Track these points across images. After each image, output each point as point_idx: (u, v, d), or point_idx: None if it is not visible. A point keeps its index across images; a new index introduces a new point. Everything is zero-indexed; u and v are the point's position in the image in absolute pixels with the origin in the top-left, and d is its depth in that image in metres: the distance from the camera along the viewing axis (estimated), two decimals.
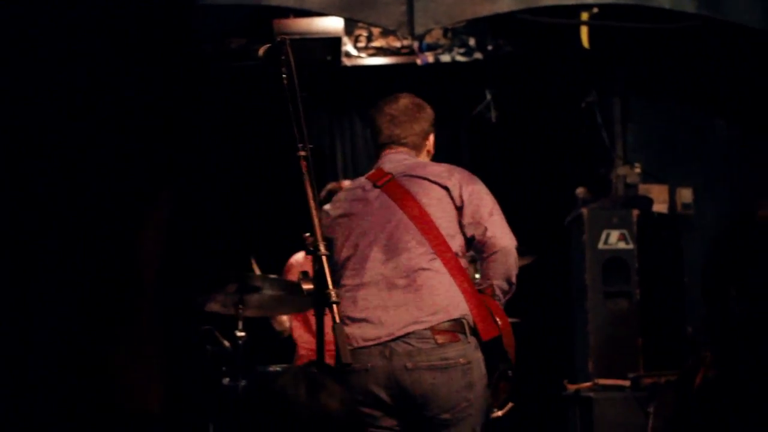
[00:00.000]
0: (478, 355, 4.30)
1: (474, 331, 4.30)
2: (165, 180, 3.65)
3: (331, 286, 3.57)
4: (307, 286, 3.60)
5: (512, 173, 8.95)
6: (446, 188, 4.50)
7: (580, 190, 8.46)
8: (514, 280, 4.62)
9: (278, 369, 4.96)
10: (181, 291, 4.33)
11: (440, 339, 4.20)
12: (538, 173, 8.92)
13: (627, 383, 7.21)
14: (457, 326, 4.25)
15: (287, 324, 6.83)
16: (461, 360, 4.21)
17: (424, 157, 4.81)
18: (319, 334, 3.65)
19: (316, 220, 3.70)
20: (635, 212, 8.02)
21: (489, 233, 4.45)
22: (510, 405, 5.51)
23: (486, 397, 4.38)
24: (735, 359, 1.73)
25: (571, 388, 7.52)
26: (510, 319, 7.11)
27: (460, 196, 4.50)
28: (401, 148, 4.72)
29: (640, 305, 7.84)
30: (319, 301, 3.61)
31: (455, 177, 4.57)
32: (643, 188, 8.60)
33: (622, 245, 7.90)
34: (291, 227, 5.28)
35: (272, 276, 6.01)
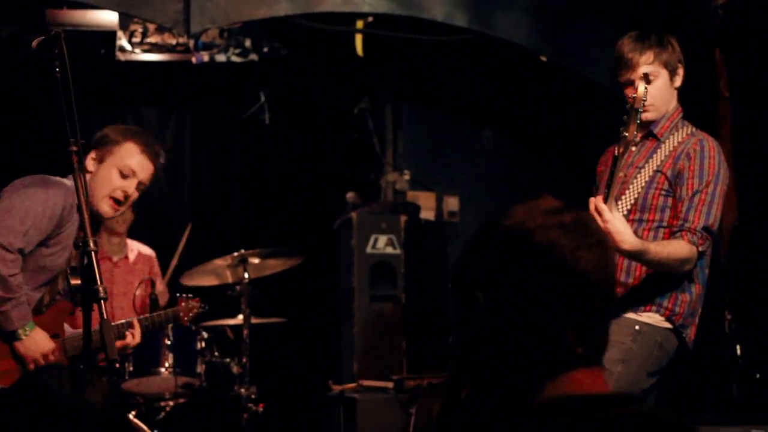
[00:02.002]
0: None
1: None
2: None
3: (99, 282, 3.54)
4: (75, 282, 3.57)
5: (284, 175, 9.00)
6: None
7: (350, 195, 8.57)
8: None
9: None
10: None
11: None
12: (310, 176, 8.99)
13: (390, 385, 7.33)
14: None
15: None
16: None
17: None
18: (86, 330, 3.61)
19: (86, 215, 3.67)
20: (403, 218, 8.17)
21: None
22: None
23: None
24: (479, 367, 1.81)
25: (336, 388, 7.60)
26: (276, 319, 7.21)
27: None
28: None
29: (406, 309, 8.00)
30: (87, 296, 3.58)
31: None
32: (411, 195, 8.78)
33: (389, 250, 8.04)
34: None
35: None
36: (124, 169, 4.60)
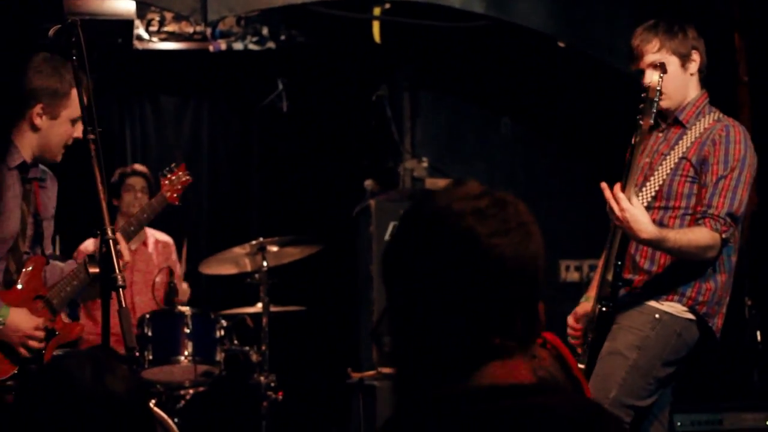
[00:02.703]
0: None
1: None
2: None
3: (117, 271, 3.54)
4: (93, 270, 3.57)
5: (302, 163, 9.00)
6: None
7: (368, 182, 8.56)
8: None
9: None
10: None
11: None
12: (328, 164, 8.98)
13: None
14: None
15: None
16: None
17: None
18: (105, 318, 3.61)
19: (104, 204, 3.67)
20: None
21: None
22: None
23: None
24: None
25: (355, 376, 7.61)
26: (295, 307, 7.21)
27: None
28: None
29: None
30: (105, 285, 3.58)
31: None
32: (429, 182, 8.75)
33: None
34: (82, 213, 5.19)
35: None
36: (75, 117, 4.36)
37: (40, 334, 4.28)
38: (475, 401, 1.74)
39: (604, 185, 4.24)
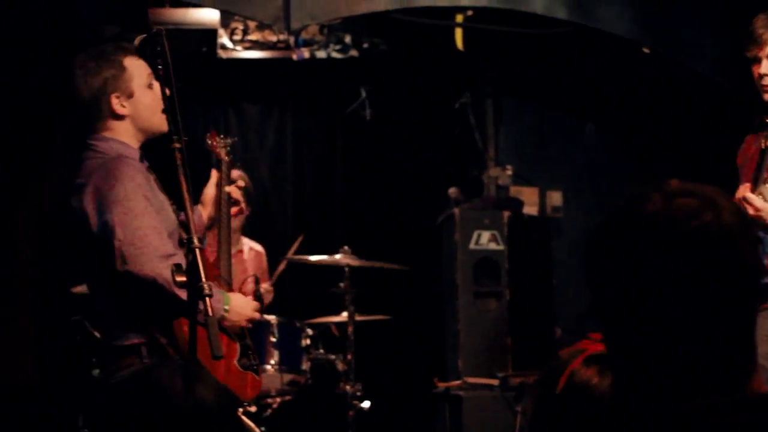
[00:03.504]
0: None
1: None
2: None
3: (204, 279, 3.52)
4: (180, 278, 3.55)
5: (386, 172, 8.98)
6: None
7: (452, 191, 8.51)
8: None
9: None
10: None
11: None
12: (412, 172, 8.96)
13: (496, 382, 7.28)
14: None
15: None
16: None
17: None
18: (192, 328, 3.60)
19: (190, 213, 3.66)
20: (506, 214, 8.10)
21: None
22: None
23: None
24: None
25: (441, 386, 7.58)
26: (381, 317, 7.18)
27: None
28: None
29: (510, 305, 7.92)
30: (192, 293, 3.57)
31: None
32: (514, 190, 8.71)
33: (492, 246, 7.98)
34: None
35: None
36: (145, 81, 4.31)
37: (258, 315, 4.47)
38: (756, 411, 1.68)
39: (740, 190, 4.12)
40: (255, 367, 4.61)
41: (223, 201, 4.88)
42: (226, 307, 4.30)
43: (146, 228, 4.07)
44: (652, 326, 1.70)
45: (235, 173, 5.20)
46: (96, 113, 4.30)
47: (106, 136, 4.29)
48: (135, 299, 4.10)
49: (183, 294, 3.73)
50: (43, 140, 8.05)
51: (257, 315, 4.45)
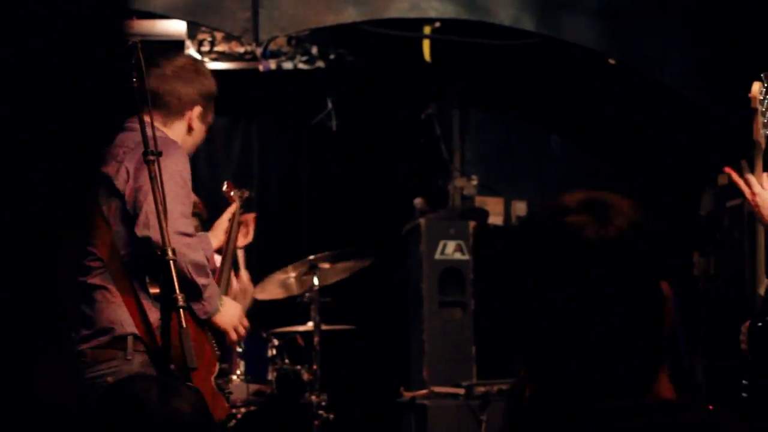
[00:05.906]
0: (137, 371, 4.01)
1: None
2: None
3: (178, 291, 3.54)
4: (154, 291, 3.57)
5: (352, 182, 9.00)
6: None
7: (418, 201, 8.54)
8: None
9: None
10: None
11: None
12: (377, 183, 8.99)
13: (461, 391, 7.31)
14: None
15: None
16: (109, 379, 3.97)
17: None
18: (165, 339, 3.62)
19: (164, 224, 3.68)
20: (471, 224, 8.13)
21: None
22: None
23: None
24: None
25: (407, 395, 7.60)
26: (346, 326, 7.20)
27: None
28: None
29: (475, 315, 7.97)
30: (165, 305, 3.59)
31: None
32: (479, 200, 8.75)
33: (458, 256, 8.01)
34: None
35: None
36: (210, 123, 4.53)
37: (246, 322, 4.43)
38: (654, 415, 1.72)
39: (728, 169, 4.11)
40: (227, 394, 4.63)
41: (232, 233, 4.92)
42: (221, 302, 4.29)
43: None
44: (549, 340, 1.80)
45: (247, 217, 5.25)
46: (176, 114, 4.35)
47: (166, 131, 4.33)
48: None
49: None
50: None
51: (245, 322, 4.41)
